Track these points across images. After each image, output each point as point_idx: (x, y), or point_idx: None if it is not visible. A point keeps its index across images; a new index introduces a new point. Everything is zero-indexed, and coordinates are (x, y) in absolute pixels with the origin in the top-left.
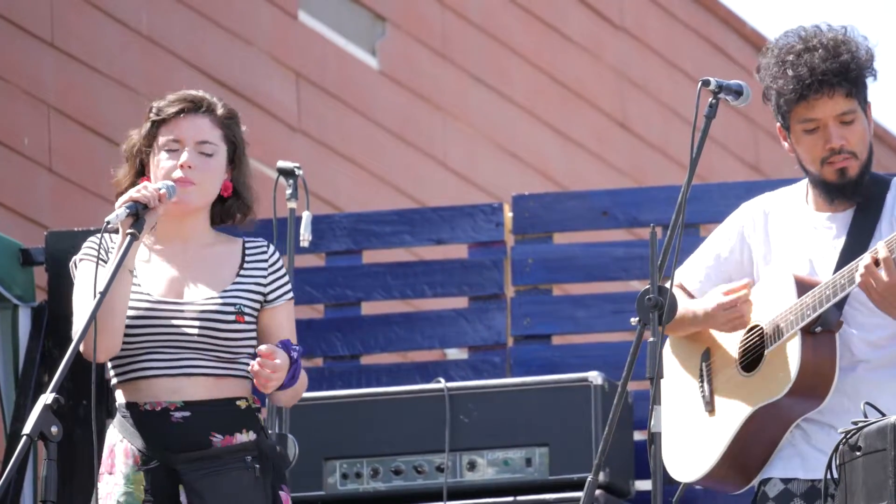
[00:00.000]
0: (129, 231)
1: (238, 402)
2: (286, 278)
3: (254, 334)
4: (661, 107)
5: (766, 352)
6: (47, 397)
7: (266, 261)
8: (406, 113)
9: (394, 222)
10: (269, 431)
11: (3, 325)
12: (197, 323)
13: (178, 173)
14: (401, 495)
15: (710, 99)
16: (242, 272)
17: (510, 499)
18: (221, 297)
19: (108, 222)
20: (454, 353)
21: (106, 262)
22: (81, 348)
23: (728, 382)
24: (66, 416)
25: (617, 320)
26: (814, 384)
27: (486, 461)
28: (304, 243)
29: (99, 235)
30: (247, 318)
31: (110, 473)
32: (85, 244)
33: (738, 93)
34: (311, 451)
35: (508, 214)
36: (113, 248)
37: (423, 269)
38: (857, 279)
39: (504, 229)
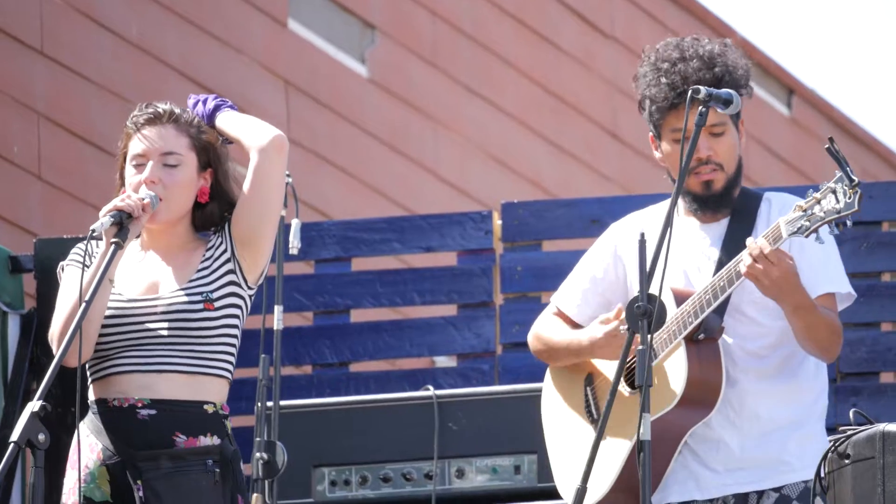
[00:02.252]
0: (114, 240)
1: (206, 406)
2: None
3: (231, 324)
4: None
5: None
6: (34, 405)
7: (221, 239)
8: (396, 122)
9: (383, 230)
10: (258, 439)
11: None
12: (166, 317)
13: (143, 190)
14: (390, 502)
15: (700, 108)
16: (204, 261)
17: None
18: (187, 289)
19: (93, 231)
20: (443, 361)
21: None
22: (54, 348)
23: (615, 403)
24: (53, 423)
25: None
26: (702, 392)
27: (474, 468)
28: (294, 251)
29: (85, 242)
30: (217, 305)
31: (73, 468)
32: (73, 250)
33: (727, 102)
34: (300, 458)
35: (497, 222)
36: (98, 253)
37: (412, 276)
38: (743, 269)
39: (493, 237)
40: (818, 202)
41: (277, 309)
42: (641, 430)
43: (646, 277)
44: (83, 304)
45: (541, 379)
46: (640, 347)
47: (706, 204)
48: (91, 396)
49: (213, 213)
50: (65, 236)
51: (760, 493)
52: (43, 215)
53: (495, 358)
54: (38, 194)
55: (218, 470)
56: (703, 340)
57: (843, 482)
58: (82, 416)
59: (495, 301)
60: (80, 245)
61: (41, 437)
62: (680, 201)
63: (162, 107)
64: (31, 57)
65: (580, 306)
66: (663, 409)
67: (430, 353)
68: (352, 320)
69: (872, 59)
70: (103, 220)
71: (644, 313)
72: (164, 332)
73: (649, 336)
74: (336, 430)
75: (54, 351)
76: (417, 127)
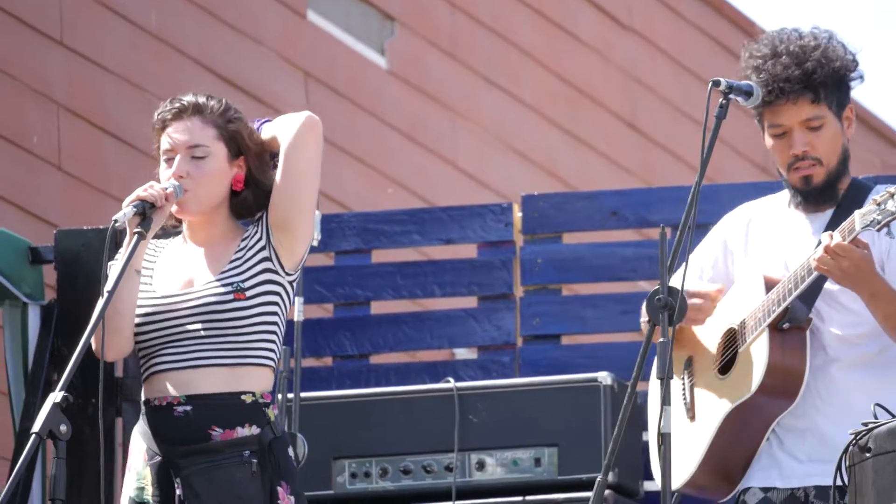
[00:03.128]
0: (137, 230)
1: (244, 397)
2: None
3: (268, 311)
4: (670, 107)
5: (738, 352)
6: (56, 396)
7: (258, 229)
8: (415, 113)
9: (403, 222)
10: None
11: (12, 323)
12: (199, 310)
13: (173, 184)
14: (410, 495)
15: (721, 99)
16: (238, 251)
17: (519, 498)
18: (216, 281)
19: (116, 221)
20: (463, 353)
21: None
22: (94, 347)
23: (707, 386)
24: (74, 414)
25: (626, 320)
26: (784, 381)
27: (495, 461)
28: (314, 243)
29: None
30: (249, 294)
31: (129, 470)
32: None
33: (748, 93)
34: (320, 450)
35: (518, 214)
36: (150, 256)
37: (432, 268)
38: (813, 263)
39: (513, 229)
40: (892, 197)
41: (298, 301)
42: (661, 423)
43: (666, 270)
44: (105, 295)
45: (561, 372)
46: (662, 340)
47: (808, 198)
48: (141, 397)
49: (247, 200)
50: (85, 227)
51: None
52: (63, 206)
53: (516, 350)
54: (58, 185)
55: (255, 460)
56: (789, 329)
57: (865, 476)
58: (105, 409)
59: (515, 293)
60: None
61: (63, 428)
62: (787, 193)
63: (186, 99)
64: (50, 47)
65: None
66: (742, 396)
67: (450, 345)
68: (372, 312)
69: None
70: (126, 210)
71: (664, 306)
72: (198, 327)
73: (670, 329)
74: (356, 421)
75: (93, 349)
76: (436, 118)
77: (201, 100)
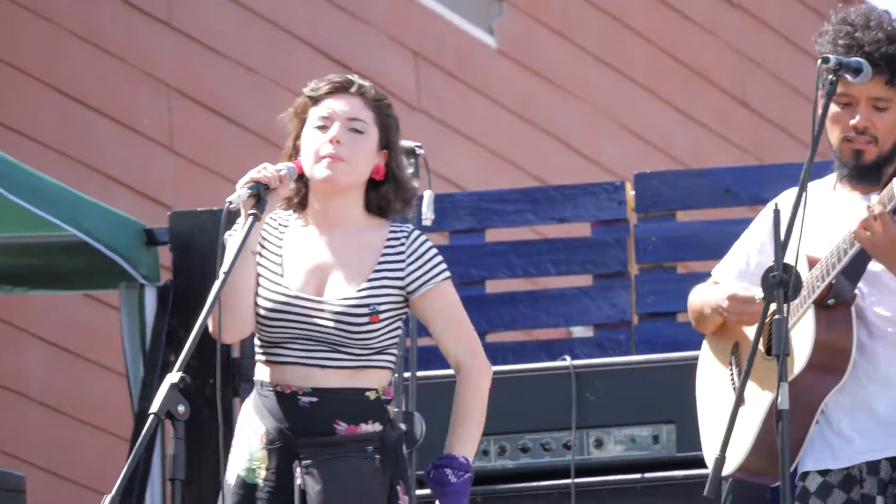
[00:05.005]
0: (251, 212)
1: (368, 393)
2: (430, 262)
3: (396, 325)
4: (781, 84)
5: None
6: (174, 376)
7: (403, 251)
8: (525, 92)
9: (517, 201)
10: (396, 410)
11: (129, 304)
12: (331, 323)
13: (326, 148)
14: (528, 473)
15: (830, 76)
16: (379, 266)
17: (638, 476)
18: (356, 298)
19: (230, 203)
20: (579, 331)
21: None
22: (211, 329)
23: (755, 370)
24: (192, 394)
25: None
26: (831, 358)
27: (612, 438)
28: (427, 222)
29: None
30: (382, 316)
31: (237, 447)
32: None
33: (857, 70)
34: (438, 429)
35: (631, 193)
36: (267, 237)
37: (546, 247)
38: (851, 236)
39: (627, 207)
40: None
41: None
42: (780, 400)
43: (780, 247)
44: (221, 277)
45: (678, 349)
46: (777, 317)
47: (855, 172)
48: (257, 376)
49: (387, 195)
50: (199, 209)
51: (892, 461)
52: (175, 187)
53: (631, 328)
54: (171, 167)
55: (378, 456)
56: (834, 306)
57: None
58: (224, 390)
59: (630, 271)
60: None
61: (181, 408)
62: (832, 177)
63: (350, 77)
64: (160, 30)
65: (737, 279)
66: (791, 375)
67: (566, 323)
68: (487, 291)
69: None
70: (240, 192)
71: (780, 282)
72: (329, 334)
73: (785, 305)
74: None
75: (210, 327)
76: (547, 97)
77: (364, 82)
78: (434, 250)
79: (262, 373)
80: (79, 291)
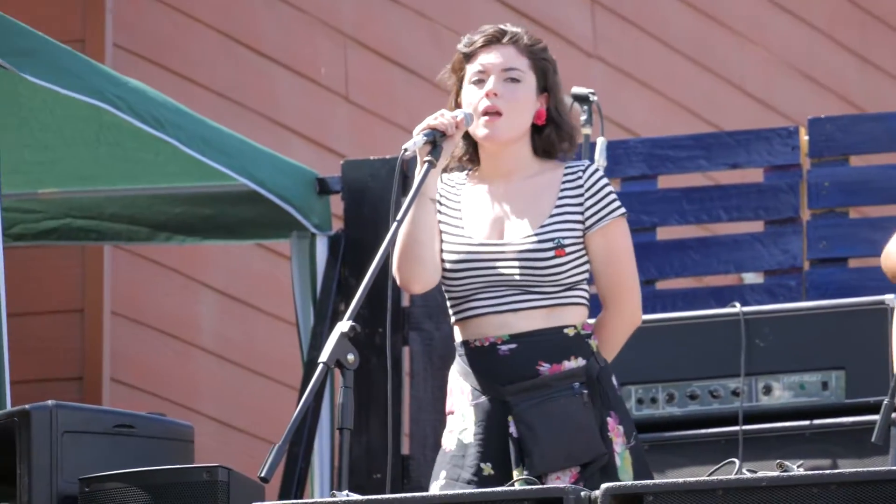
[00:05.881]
0: (427, 159)
1: (566, 330)
2: (607, 198)
3: (585, 260)
4: None
5: None
6: (344, 325)
7: (581, 185)
8: (702, 37)
9: (689, 147)
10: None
11: (300, 253)
12: (517, 263)
13: (484, 103)
14: (696, 420)
15: None
16: (559, 202)
17: (806, 422)
18: (537, 235)
19: (406, 150)
20: (750, 278)
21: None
22: (399, 281)
23: None
24: (362, 343)
25: None
26: None
27: (781, 385)
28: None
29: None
30: (568, 250)
31: (451, 413)
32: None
33: None
34: None
35: (804, 138)
36: (445, 197)
37: (718, 193)
38: None
39: (800, 153)
40: None
41: None
42: None
43: None
44: (395, 224)
45: (849, 295)
46: None
47: None
48: (457, 338)
49: (550, 137)
50: (371, 157)
51: None
52: (350, 136)
53: (802, 274)
54: (346, 116)
55: (586, 391)
56: None
57: None
58: (393, 339)
59: (802, 217)
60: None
61: (350, 357)
62: None
63: (502, 27)
64: None
65: None
66: None
67: (736, 269)
68: (658, 238)
69: None
70: (416, 138)
71: None
72: (516, 276)
73: None
74: (643, 347)
75: (397, 280)
76: (723, 43)
77: (516, 29)
78: (610, 186)
79: (460, 333)
80: (250, 241)
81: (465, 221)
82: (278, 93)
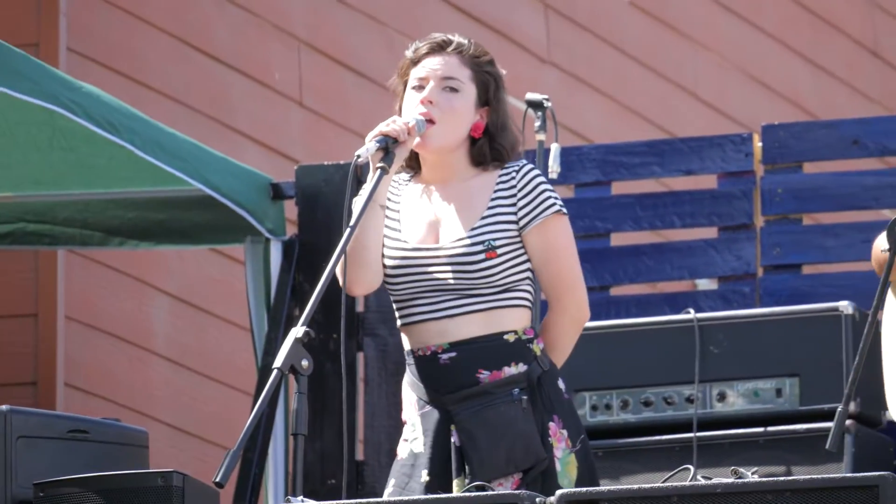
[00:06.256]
0: (379, 165)
1: (506, 336)
2: (541, 196)
3: (521, 261)
4: None
5: None
6: (298, 331)
7: (515, 185)
8: (655, 43)
9: (643, 153)
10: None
11: (254, 258)
12: (449, 267)
13: (419, 108)
14: (651, 426)
15: None
16: (492, 203)
17: (760, 429)
18: (469, 238)
19: (358, 156)
20: (704, 284)
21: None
22: (340, 282)
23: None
24: (316, 349)
25: (867, 249)
26: None
27: (735, 392)
28: (553, 175)
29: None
30: (501, 251)
31: (406, 423)
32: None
33: None
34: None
35: (758, 144)
36: (389, 199)
37: (672, 199)
38: None
39: (753, 159)
40: None
41: None
42: None
43: None
44: (347, 230)
45: (802, 301)
46: None
47: None
48: (405, 346)
49: (482, 150)
50: (325, 163)
51: None
52: (304, 142)
53: (756, 280)
54: (299, 121)
55: (525, 397)
56: None
57: None
58: (348, 345)
59: (756, 223)
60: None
61: (304, 363)
62: None
63: (448, 36)
64: None
65: None
66: None
67: (690, 275)
68: (612, 244)
69: None
70: (368, 145)
71: None
72: (450, 280)
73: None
74: (597, 354)
75: (340, 282)
76: (676, 48)
77: (462, 40)
78: (546, 185)
79: (406, 341)
80: (204, 246)
81: (402, 224)
82: (232, 97)
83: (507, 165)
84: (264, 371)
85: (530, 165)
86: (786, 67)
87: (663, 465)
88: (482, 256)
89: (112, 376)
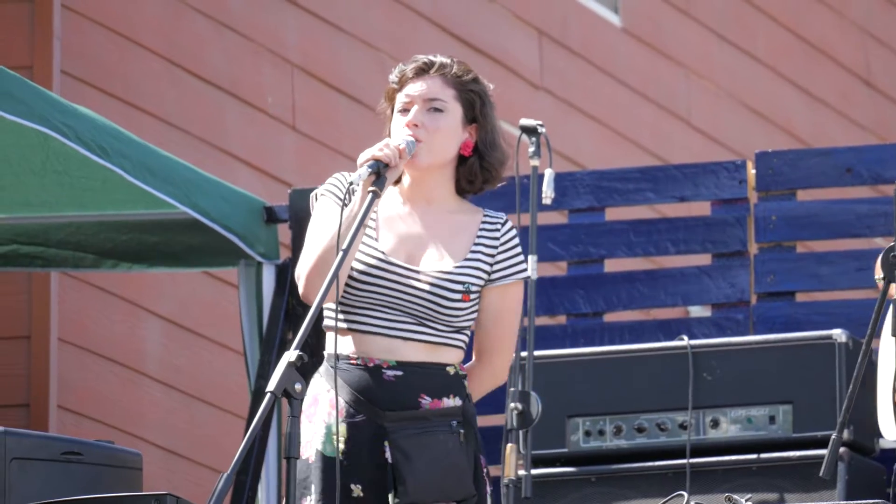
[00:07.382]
0: (371, 189)
1: (448, 368)
2: (516, 258)
3: (475, 309)
4: None
5: None
6: (291, 355)
7: (498, 238)
8: (649, 70)
9: (637, 180)
10: (512, 389)
11: (247, 282)
12: (425, 294)
13: (405, 131)
14: (644, 452)
15: None
16: (474, 247)
17: (753, 456)
18: (453, 273)
19: (352, 183)
20: (697, 311)
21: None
22: (301, 287)
23: (887, 347)
24: (309, 373)
25: (861, 277)
26: None
27: (729, 419)
28: (547, 200)
29: (344, 177)
30: (472, 297)
31: (311, 422)
32: (329, 180)
33: None
34: (555, 408)
35: (752, 172)
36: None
37: (666, 226)
38: None
39: (747, 186)
40: None
41: (531, 259)
42: None
43: None
44: (339, 254)
45: (796, 329)
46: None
47: None
48: (329, 348)
49: (473, 168)
50: (319, 186)
51: None
52: (297, 165)
53: (749, 308)
54: (293, 144)
55: (462, 431)
56: None
57: None
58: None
59: (749, 251)
60: (337, 175)
61: (297, 386)
62: None
63: (430, 58)
64: (284, 8)
65: None
66: None
67: (684, 302)
68: (606, 270)
69: None
70: (361, 170)
71: None
72: (417, 306)
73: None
74: (590, 380)
75: (300, 289)
76: (670, 75)
77: (445, 60)
78: (520, 247)
79: (339, 345)
80: (198, 269)
81: (379, 233)
82: (226, 121)
83: (490, 213)
84: (257, 394)
85: (511, 223)
86: (779, 95)
87: (657, 491)
88: (458, 297)
89: (105, 398)
